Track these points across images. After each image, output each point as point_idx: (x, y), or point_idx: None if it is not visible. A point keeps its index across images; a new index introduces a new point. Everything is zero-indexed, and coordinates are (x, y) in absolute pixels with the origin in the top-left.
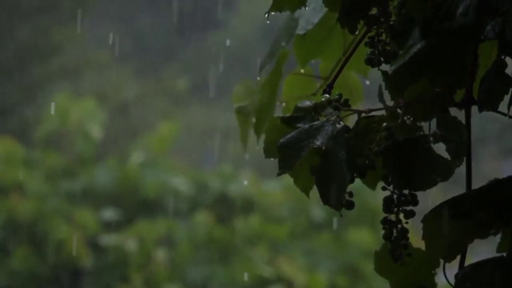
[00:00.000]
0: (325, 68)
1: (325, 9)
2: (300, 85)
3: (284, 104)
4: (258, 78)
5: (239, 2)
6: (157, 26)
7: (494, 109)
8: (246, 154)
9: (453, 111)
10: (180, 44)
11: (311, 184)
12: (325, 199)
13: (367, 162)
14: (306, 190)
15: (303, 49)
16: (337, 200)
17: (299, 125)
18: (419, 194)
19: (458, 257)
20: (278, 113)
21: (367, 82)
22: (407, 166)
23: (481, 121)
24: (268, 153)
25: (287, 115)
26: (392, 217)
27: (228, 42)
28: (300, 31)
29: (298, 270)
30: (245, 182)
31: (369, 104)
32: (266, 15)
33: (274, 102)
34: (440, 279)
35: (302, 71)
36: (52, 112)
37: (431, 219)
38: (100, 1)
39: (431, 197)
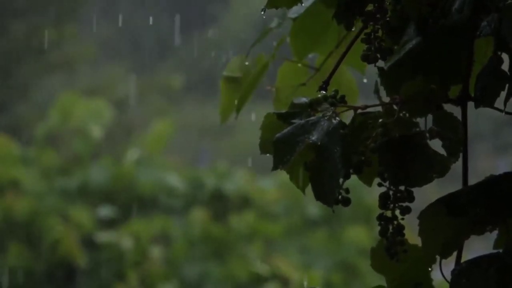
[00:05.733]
0: (322, 61)
1: None
2: (294, 74)
3: (274, 89)
4: (247, 63)
5: None
6: (151, 24)
7: (490, 105)
8: (243, 151)
9: (449, 108)
10: (174, 41)
11: (307, 181)
12: (318, 195)
13: (363, 158)
14: (302, 187)
15: (299, 42)
16: (330, 196)
17: (295, 121)
18: (415, 191)
19: (455, 254)
20: (270, 100)
21: (365, 80)
22: (403, 162)
23: (476, 118)
24: (263, 149)
25: (283, 111)
26: (388, 213)
27: (222, 39)
28: (292, 14)
29: (293, 267)
30: (241, 180)
31: (365, 101)
32: (262, 12)
33: (258, 81)
34: (436, 275)
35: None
36: (54, 110)
37: (427, 215)
38: None
39: (427, 194)
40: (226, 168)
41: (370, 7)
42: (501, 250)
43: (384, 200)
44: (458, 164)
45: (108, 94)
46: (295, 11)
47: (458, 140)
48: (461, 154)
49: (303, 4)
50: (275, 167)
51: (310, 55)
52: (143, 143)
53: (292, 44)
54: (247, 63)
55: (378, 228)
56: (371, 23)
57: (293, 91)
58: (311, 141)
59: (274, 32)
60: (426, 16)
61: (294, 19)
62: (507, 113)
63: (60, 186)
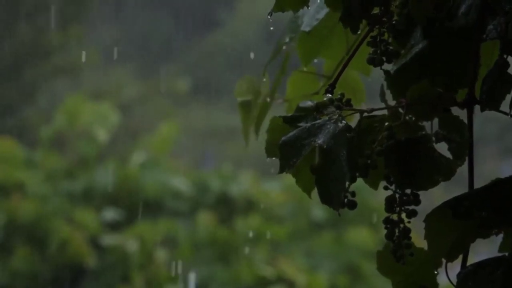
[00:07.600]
0: (329, 67)
1: None
2: (304, 83)
3: (286, 102)
4: (264, 79)
5: (239, 1)
6: (156, 26)
7: (496, 108)
8: (248, 154)
9: (455, 111)
10: (179, 44)
11: (313, 184)
12: (324, 198)
13: (368, 161)
14: (307, 190)
15: (306, 47)
16: (336, 200)
17: (301, 124)
18: (421, 194)
19: (460, 257)
20: (280, 111)
21: (369, 79)
22: (409, 165)
23: (481, 121)
24: (269, 153)
25: (289, 114)
26: (394, 216)
27: (227, 42)
28: (305, 27)
29: (299, 270)
30: (245, 183)
31: (371, 104)
32: (269, 16)
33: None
34: (442, 278)
35: (305, 69)
36: (60, 113)
37: (433, 218)
38: (99, 1)
39: (433, 197)
40: (231, 171)
41: (376, 10)
42: (506, 253)
43: (390, 204)
44: (464, 167)
45: (114, 97)
46: (308, 24)
47: (464, 143)
48: (467, 157)
49: (316, 17)
50: (281, 170)
51: (317, 62)
52: (148, 146)
53: (299, 49)
54: (264, 79)
55: (384, 231)
56: (377, 26)
57: (306, 100)
58: (317, 144)
59: (276, 37)
60: (433, 20)
61: (308, 32)
62: None
63: (65, 189)
